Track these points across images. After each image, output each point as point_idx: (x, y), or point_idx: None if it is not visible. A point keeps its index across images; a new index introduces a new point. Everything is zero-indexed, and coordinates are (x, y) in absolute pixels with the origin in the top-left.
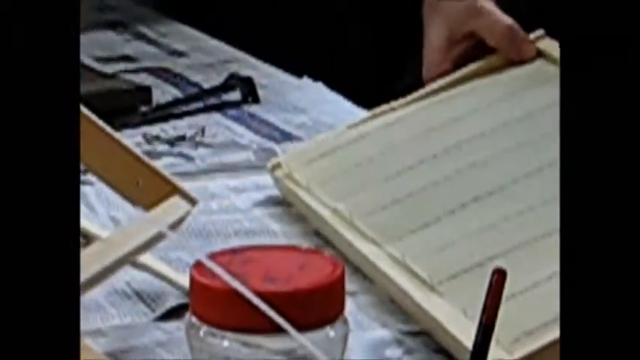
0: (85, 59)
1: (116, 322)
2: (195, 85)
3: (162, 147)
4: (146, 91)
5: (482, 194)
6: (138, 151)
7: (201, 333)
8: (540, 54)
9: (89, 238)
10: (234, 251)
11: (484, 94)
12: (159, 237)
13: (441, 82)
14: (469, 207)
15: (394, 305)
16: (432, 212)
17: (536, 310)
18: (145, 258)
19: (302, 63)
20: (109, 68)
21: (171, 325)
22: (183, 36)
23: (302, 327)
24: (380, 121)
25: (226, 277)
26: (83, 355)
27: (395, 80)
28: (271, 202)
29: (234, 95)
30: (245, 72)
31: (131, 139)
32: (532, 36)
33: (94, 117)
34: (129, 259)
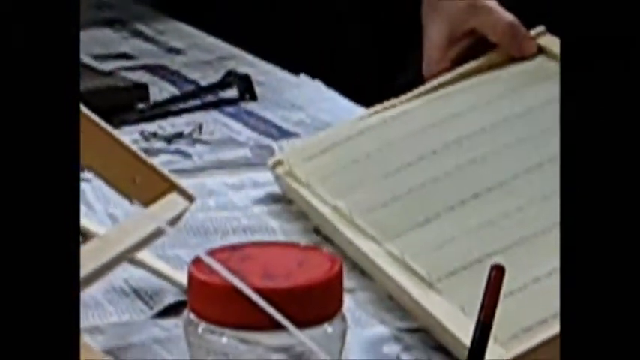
0: (83, 57)
1: (114, 319)
2: (192, 82)
3: (159, 144)
4: (143, 88)
5: (481, 190)
6: (135, 148)
7: (200, 329)
8: (541, 50)
9: (87, 236)
10: (232, 248)
11: (484, 90)
12: (157, 234)
13: (441, 78)
14: (468, 203)
15: (392, 302)
16: (432, 209)
17: (534, 306)
18: (143, 255)
19: (299, 60)
20: (106, 66)
21: (169, 322)
22: (181, 33)
23: (300, 323)
24: (380, 117)
25: (225, 273)
26: (81, 352)
27: (393, 78)
28: (270, 199)
29: (232, 92)
30: (242, 69)
31: (128, 136)
32: (533, 32)
33: (91, 114)
34: (127, 256)
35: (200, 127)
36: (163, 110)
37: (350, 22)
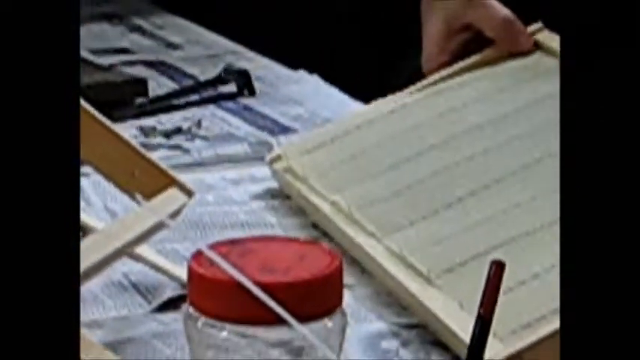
0: (82, 52)
1: (113, 313)
2: (191, 77)
3: (158, 139)
4: (142, 83)
5: (480, 186)
6: (134, 143)
7: (200, 324)
8: (538, 46)
9: (85, 230)
10: (232, 242)
11: (482, 86)
12: (155, 228)
13: (439, 74)
14: (467, 199)
15: (391, 298)
16: (430, 205)
17: (533, 302)
18: (142, 250)
19: (298, 56)
20: (105, 60)
21: (168, 317)
22: (180, 28)
23: (300, 318)
24: (378, 112)
25: (226, 267)
26: (81, 346)
27: (392, 73)
28: (268, 194)
29: (230, 87)
30: (241, 64)
31: (127, 131)
32: (530, 28)
33: (90, 109)
34: (125, 251)
35: (199, 122)
36: (162, 105)
37: (349, 17)
